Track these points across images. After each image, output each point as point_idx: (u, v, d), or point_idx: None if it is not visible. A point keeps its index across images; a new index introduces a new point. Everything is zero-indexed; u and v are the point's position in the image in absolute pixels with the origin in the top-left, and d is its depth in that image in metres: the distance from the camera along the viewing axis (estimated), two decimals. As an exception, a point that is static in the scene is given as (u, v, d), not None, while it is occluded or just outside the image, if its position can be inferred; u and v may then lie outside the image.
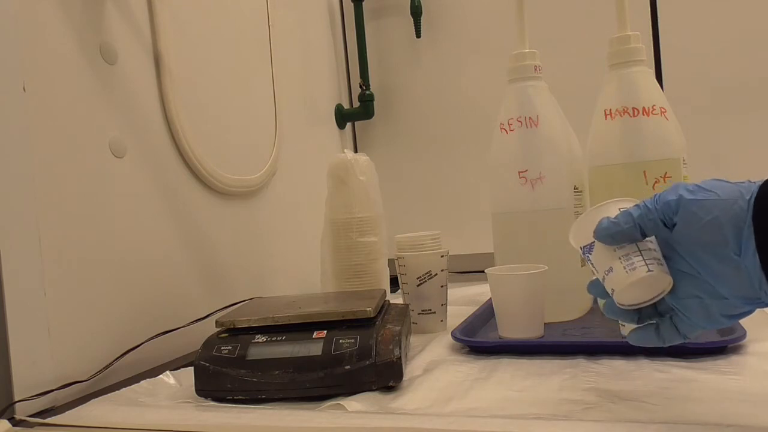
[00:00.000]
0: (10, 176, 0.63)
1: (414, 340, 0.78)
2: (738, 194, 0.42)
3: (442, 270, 0.85)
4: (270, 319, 0.65)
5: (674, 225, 0.45)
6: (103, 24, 0.78)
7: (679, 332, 0.48)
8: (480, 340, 0.74)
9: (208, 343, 0.64)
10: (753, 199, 0.41)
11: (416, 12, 1.40)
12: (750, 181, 0.43)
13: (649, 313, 0.49)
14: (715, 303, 0.45)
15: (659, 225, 0.45)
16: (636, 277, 0.45)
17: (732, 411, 0.48)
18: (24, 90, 0.65)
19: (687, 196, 0.44)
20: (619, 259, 0.47)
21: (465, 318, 0.80)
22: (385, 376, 0.60)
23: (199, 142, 0.91)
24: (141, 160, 0.82)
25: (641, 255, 0.46)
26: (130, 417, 0.57)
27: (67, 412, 0.60)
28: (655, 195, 0.46)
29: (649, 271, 0.45)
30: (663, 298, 0.47)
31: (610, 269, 0.47)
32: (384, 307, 0.72)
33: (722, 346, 0.62)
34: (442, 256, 0.85)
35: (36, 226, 0.65)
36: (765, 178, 0.42)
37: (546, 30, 1.09)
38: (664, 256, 0.46)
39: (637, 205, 0.47)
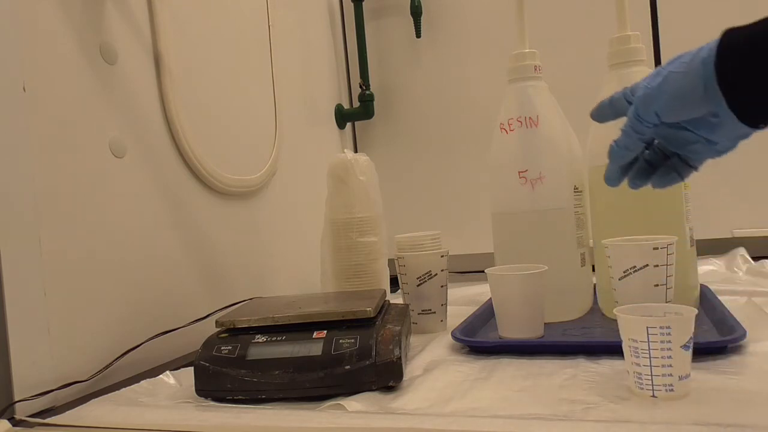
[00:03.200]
0: (10, 176, 0.63)
1: (414, 340, 0.78)
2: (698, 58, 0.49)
3: (442, 270, 0.85)
4: (270, 319, 0.65)
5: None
6: (103, 24, 0.78)
7: (691, 166, 0.55)
8: (480, 340, 0.74)
9: (208, 343, 0.64)
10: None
11: (416, 12, 1.40)
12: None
13: (657, 158, 0.56)
14: (717, 136, 0.51)
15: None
16: None
17: (732, 411, 0.48)
18: (24, 90, 0.65)
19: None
20: None
21: (465, 318, 0.80)
22: (385, 376, 0.60)
23: (199, 142, 0.91)
24: (141, 160, 0.82)
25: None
26: (130, 417, 0.57)
27: (67, 412, 0.60)
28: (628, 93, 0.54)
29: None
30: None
31: None
32: (384, 307, 0.72)
33: (722, 346, 0.62)
34: (442, 256, 0.85)
35: (36, 226, 0.65)
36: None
37: (546, 30, 1.09)
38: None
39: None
